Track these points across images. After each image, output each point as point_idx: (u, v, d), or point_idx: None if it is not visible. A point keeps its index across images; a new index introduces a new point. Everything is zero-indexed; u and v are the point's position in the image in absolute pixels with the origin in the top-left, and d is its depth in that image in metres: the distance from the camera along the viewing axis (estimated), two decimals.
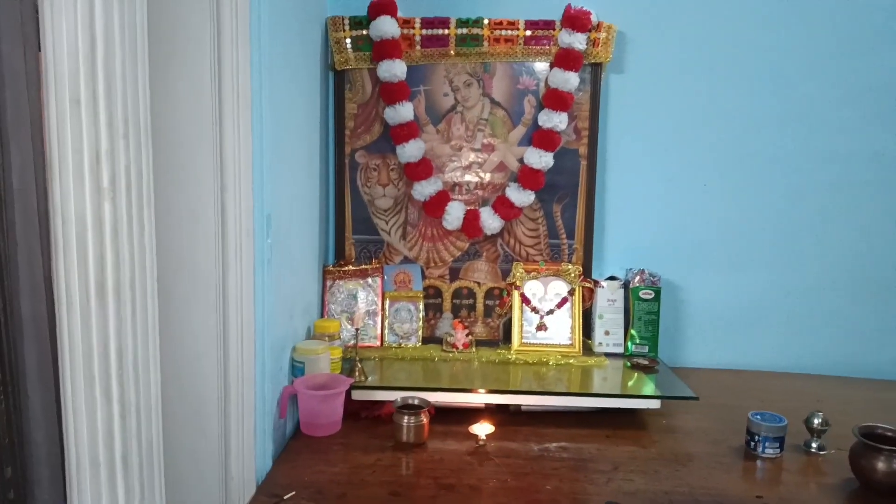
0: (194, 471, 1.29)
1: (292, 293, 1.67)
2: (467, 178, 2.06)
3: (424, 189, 2.00)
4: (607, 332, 2.03)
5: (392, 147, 2.01)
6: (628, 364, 1.93)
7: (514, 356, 1.93)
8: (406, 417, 1.53)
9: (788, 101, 2.07)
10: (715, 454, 1.54)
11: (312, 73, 1.87)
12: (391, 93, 1.96)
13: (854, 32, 2.04)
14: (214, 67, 1.22)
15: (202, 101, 1.22)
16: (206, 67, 1.21)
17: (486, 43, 1.98)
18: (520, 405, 1.74)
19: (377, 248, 2.09)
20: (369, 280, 2.04)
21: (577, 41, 1.94)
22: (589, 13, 1.95)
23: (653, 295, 2.02)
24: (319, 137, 1.96)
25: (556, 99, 1.97)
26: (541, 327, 1.99)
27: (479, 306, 2.09)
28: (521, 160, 2.03)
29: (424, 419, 1.54)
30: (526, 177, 2.00)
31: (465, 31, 1.97)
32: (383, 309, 2.03)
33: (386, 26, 1.92)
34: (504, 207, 2.02)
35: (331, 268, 2.03)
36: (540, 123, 1.99)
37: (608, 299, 2.03)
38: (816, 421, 1.56)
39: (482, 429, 1.56)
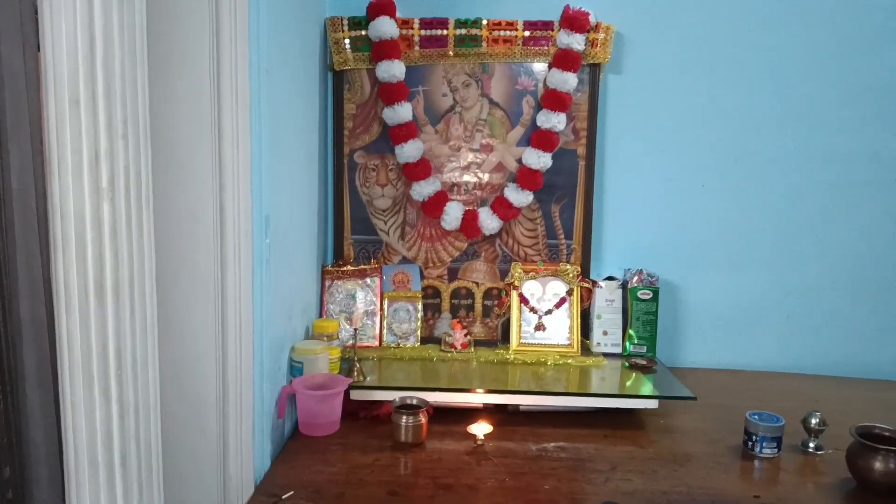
0: (193, 471, 1.29)
1: (291, 293, 1.68)
2: (466, 178, 2.06)
3: (423, 189, 2.00)
4: (605, 333, 2.03)
5: (391, 147, 2.01)
6: (626, 364, 1.93)
7: (512, 356, 1.94)
8: (404, 417, 1.53)
9: (788, 101, 2.07)
10: (712, 454, 1.54)
11: (311, 73, 1.87)
12: (390, 93, 1.96)
13: (854, 32, 2.04)
14: (213, 68, 1.22)
15: (201, 101, 1.22)
16: (204, 68, 1.21)
17: (484, 43, 1.98)
18: (518, 405, 1.74)
19: (376, 248, 2.10)
20: (368, 280, 2.04)
21: (576, 42, 1.94)
22: (587, 14, 1.95)
23: (651, 295, 2.03)
24: (318, 138, 1.97)
25: (554, 99, 1.97)
26: (539, 327, 2.00)
27: (478, 306, 2.09)
28: (519, 161, 2.03)
29: (423, 419, 1.54)
30: (524, 177, 2.01)
31: (463, 31, 1.97)
32: (382, 309, 2.03)
33: (385, 27, 1.93)
34: (502, 208, 2.02)
35: (329, 268, 2.03)
36: (538, 124, 1.99)
37: (606, 299, 2.04)
38: (814, 421, 1.56)
39: (480, 429, 1.57)
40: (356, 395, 1.67)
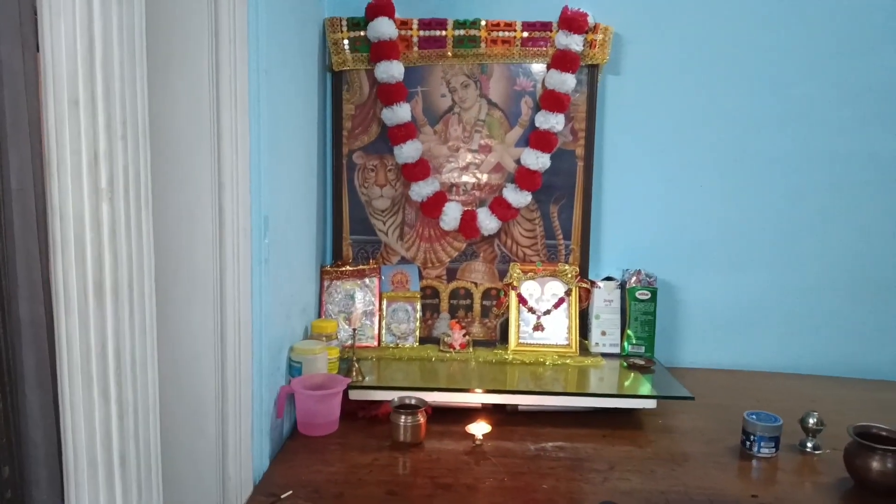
0: (192, 470, 1.30)
1: (290, 293, 1.68)
2: (464, 178, 2.07)
3: (422, 190, 2.01)
4: (604, 333, 2.04)
5: (389, 148, 2.01)
6: (625, 364, 1.94)
7: (510, 356, 1.94)
8: (403, 417, 1.53)
9: (787, 101, 2.08)
10: (711, 454, 1.54)
11: (310, 73, 1.87)
12: (389, 94, 1.96)
13: (854, 32, 2.04)
14: (212, 68, 1.22)
15: (200, 102, 1.22)
16: (203, 68, 1.21)
17: (483, 44, 1.98)
18: (516, 405, 1.74)
19: (374, 248, 2.10)
20: (367, 280, 2.04)
21: (574, 43, 1.95)
22: (586, 15, 1.96)
23: (649, 295, 2.03)
24: (317, 138, 1.97)
25: (552, 100, 1.97)
26: (537, 327, 2.00)
27: (477, 307, 2.10)
28: (518, 161, 2.04)
29: (421, 419, 1.55)
30: (523, 178, 2.01)
31: (462, 32, 1.98)
32: (381, 309, 2.03)
33: (383, 28, 1.93)
34: (501, 208, 2.02)
35: (328, 268, 2.03)
36: (537, 125, 2.00)
37: (605, 300, 2.04)
38: (812, 421, 1.56)
39: (479, 428, 1.57)
40: (355, 394, 1.67)
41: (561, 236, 2.08)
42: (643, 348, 2.02)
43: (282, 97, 1.57)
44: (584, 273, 2.07)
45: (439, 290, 2.10)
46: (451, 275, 2.10)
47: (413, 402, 1.60)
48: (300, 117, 1.76)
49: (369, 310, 2.02)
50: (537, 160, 1.99)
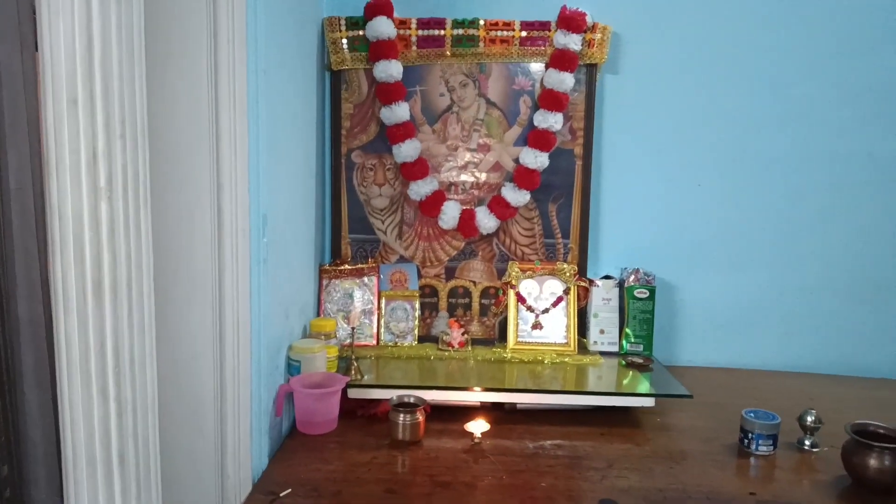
0: (191, 469, 1.30)
1: (288, 292, 1.68)
2: (463, 177, 2.07)
3: (420, 189, 2.01)
4: (602, 331, 2.04)
5: (388, 147, 2.02)
6: (623, 362, 1.94)
7: (509, 355, 1.94)
8: (402, 415, 1.54)
9: (786, 101, 2.08)
10: (709, 452, 1.55)
11: (309, 73, 1.87)
12: (387, 93, 1.97)
13: (853, 32, 2.04)
14: (211, 68, 1.22)
15: (199, 101, 1.22)
16: (202, 68, 1.22)
17: (481, 44, 1.99)
18: (515, 403, 1.74)
19: (373, 247, 2.10)
20: (365, 279, 2.04)
21: (573, 42, 1.95)
22: (584, 14, 1.96)
23: (647, 294, 2.03)
24: (316, 137, 1.97)
25: (551, 99, 1.98)
26: (536, 326, 2.00)
27: (475, 305, 2.10)
28: (516, 160, 2.04)
29: (420, 417, 1.55)
30: (521, 177, 2.01)
31: (460, 31, 1.98)
32: (379, 308, 2.03)
33: (382, 27, 1.93)
34: (500, 207, 2.02)
35: (327, 267, 2.03)
36: (535, 124, 2.00)
37: (603, 298, 2.04)
38: (809, 419, 1.57)
39: (477, 427, 1.57)
40: (354, 393, 1.68)
41: (559, 235, 2.09)
42: (641, 347, 2.03)
43: (280, 97, 1.57)
44: (582, 272, 2.07)
45: (438, 288, 2.10)
46: (450, 273, 2.10)
47: (412, 400, 1.60)
48: (299, 117, 1.76)
49: (368, 308, 2.03)
50: (536, 159, 1.99)
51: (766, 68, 2.06)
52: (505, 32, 1.98)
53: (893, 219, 2.12)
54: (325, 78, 2.04)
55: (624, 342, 2.03)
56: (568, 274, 2.02)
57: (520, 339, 1.99)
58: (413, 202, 2.05)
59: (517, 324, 2.00)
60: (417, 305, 2.05)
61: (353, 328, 1.78)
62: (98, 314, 0.87)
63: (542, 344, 1.99)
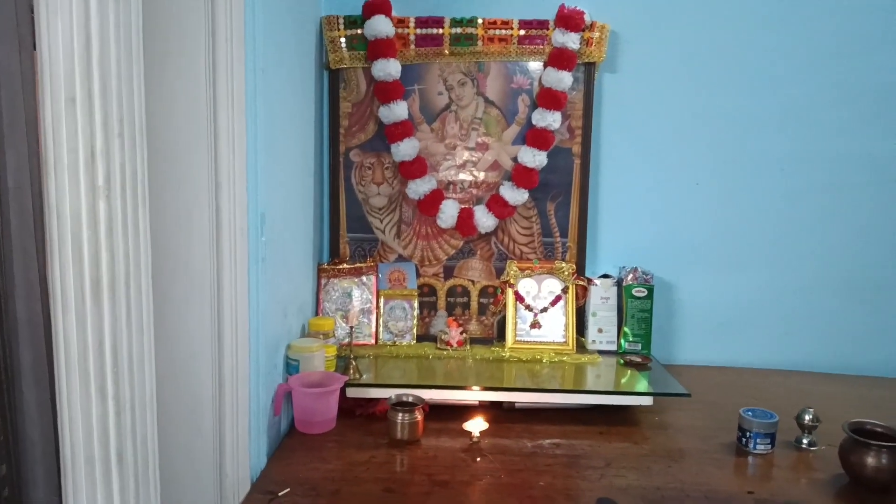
0: (189, 468, 1.30)
1: (287, 291, 1.68)
2: (461, 176, 2.07)
3: (419, 187, 2.01)
4: (600, 330, 2.04)
5: (386, 146, 2.02)
6: (621, 361, 1.94)
7: (507, 354, 1.94)
8: (400, 415, 1.54)
9: (784, 101, 2.07)
10: (706, 450, 1.55)
11: (307, 71, 1.87)
12: (386, 92, 1.97)
13: (852, 33, 2.03)
14: (209, 67, 1.22)
15: (197, 100, 1.22)
16: (200, 67, 1.21)
17: (480, 42, 1.99)
18: (513, 402, 1.75)
19: (372, 246, 2.10)
20: (364, 278, 2.04)
21: (571, 41, 1.95)
22: (582, 13, 1.96)
23: (646, 293, 2.03)
24: (314, 136, 1.97)
25: (549, 98, 1.98)
26: (534, 325, 2.00)
27: (474, 304, 2.10)
28: (514, 159, 2.04)
29: (419, 416, 1.55)
30: (520, 175, 2.01)
31: (459, 30, 1.98)
32: (378, 307, 2.03)
33: (380, 25, 1.93)
34: (498, 206, 2.02)
35: (325, 266, 2.03)
36: (534, 122, 2.00)
37: (601, 297, 2.05)
38: (807, 417, 1.57)
39: (476, 426, 1.57)
40: (352, 392, 1.68)
41: (558, 234, 2.09)
42: (640, 346, 2.03)
43: (278, 96, 1.57)
44: (580, 270, 2.08)
45: (436, 287, 2.10)
46: (449, 272, 2.10)
47: (410, 399, 1.60)
48: (297, 115, 1.76)
49: (366, 308, 2.03)
50: (534, 158, 1.99)
51: (765, 68, 2.06)
52: (503, 31, 1.98)
53: (892, 219, 2.12)
54: (324, 76, 2.04)
55: (622, 341, 2.04)
56: (566, 273, 2.02)
57: (518, 338, 1.99)
58: (411, 201, 2.05)
59: (516, 323, 2.00)
60: (416, 304, 2.05)
61: (351, 327, 1.78)
62: (96, 313, 0.87)
63: (541, 343, 1.99)
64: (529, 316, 2.01)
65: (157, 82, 1.18)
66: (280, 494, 1.30)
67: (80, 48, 0.82)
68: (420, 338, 2.05)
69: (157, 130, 1.17)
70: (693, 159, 2.11)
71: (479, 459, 1.48)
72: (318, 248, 2.06)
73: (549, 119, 1.98)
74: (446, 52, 2.00)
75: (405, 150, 1.98)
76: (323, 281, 2.01)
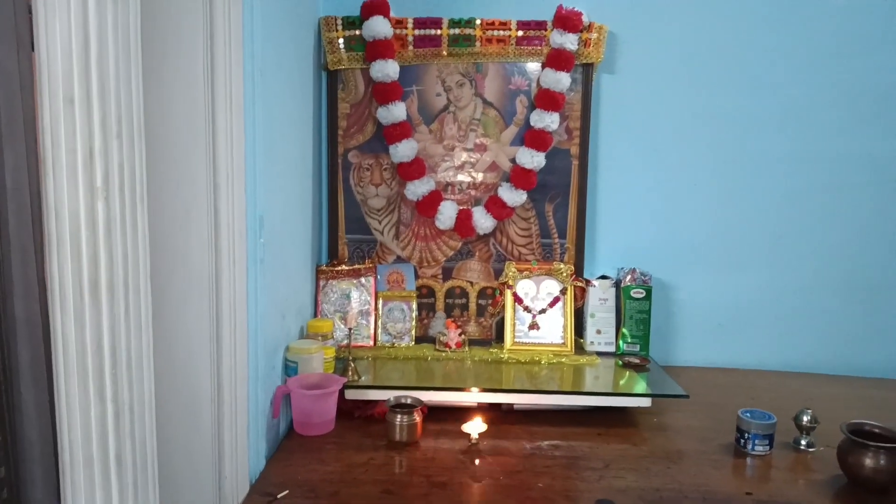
0: (188, 470, 1.29)
1: (285, 293, 1.68)
2: (460, 177, 2.07)
3: (417, 189, 2.01)
4: (599, 331, 2.04)
5: (385, 147, 2.02)
6: (620, 363, 1.94)
7: (506, 355, 1.94)
8: (399, 416, 1.54)
9: (784, 101, 2.08)
10: (705, 451, 1.55)
11: (305, 73, 1.87)
12: (384, 93, 1.97)
13: (853, 33, 2.04)
14: (207, 68, 1.22)
15: (195, 101, 1.22)
16: (199, 68, 1.21)
17: (478, 43, 1.99)
18: (512, 404, 1.74)
19: (370, 247, 2.10)
20: (362, 280, 2.04)
21: (569, 42, 1.95)
22: (580, 14, 1.96)
23: (644, 294, 2.03)
24: (312, 137, 1.97)
25: (547, 99, 1.98)
26: (533, 326, 2.00)
27: (472, 306, 2.10)
28: (513, 160, 2.04)
29: (417, 418, 1.55)
30: (518, 176, 2.01)
31: (457, 31, 1.98)
32: (376, 308, 2.03)
33: (378, 26, 1.93)
34: (496, 207, 2.02)
35: (324, 267, 2.03)
36: (532, 123, 2.00)
37: (600, 298, 2.05)
38: (805, 418, 1.57)
39: (475, 427, 1.57)
40: (351, 394, 1.67)
41: (556, 235, 2.09)
42: (638, 347, 2.03)
43: (277, 97, 1.57)
44: (579, 272, 2.08)
45: (435, 289, 2.10)
46: (447, 274, 2.10)
47: (409, 401, 1.60)
48: (295, 117, 1.76)
49: (365, 309, 2.02)
50: (532, 159, 2.00)
51: (765, 68, 2.07)
52: (501, 32, 1.98)
53: (891, 219, 2.12)
54: (322, 78, 2.04)
55: (620, 342, 2.04)
56: (565, 274, 2.02)
57: (517, 340, 1.99)
58: (410, 202, 2.05)
59: (514, 324, 2.00)
60: (414, 306, 2.05)
61: (350, 329, 1.78)
62: (95, 313, 0.87)
63: (539, 344, 1.99)
64: (528, 317, 2.01)
65: (155, 83, 1.18)
66: (279, 496, 1.30)
67: (78, 48, 0.82)
68: (419, 339, 2.05)
69: (155, 131, 1.17)
70: (692, 160, 2.11)
71: (477, 461, 1.48)
72: (316, 250, 2.06)
73: (547, 120, 1.98)
74: (444, 53, 2.00)
75: (403, 151, 1.98)
76: (321, 282, 2.01)
